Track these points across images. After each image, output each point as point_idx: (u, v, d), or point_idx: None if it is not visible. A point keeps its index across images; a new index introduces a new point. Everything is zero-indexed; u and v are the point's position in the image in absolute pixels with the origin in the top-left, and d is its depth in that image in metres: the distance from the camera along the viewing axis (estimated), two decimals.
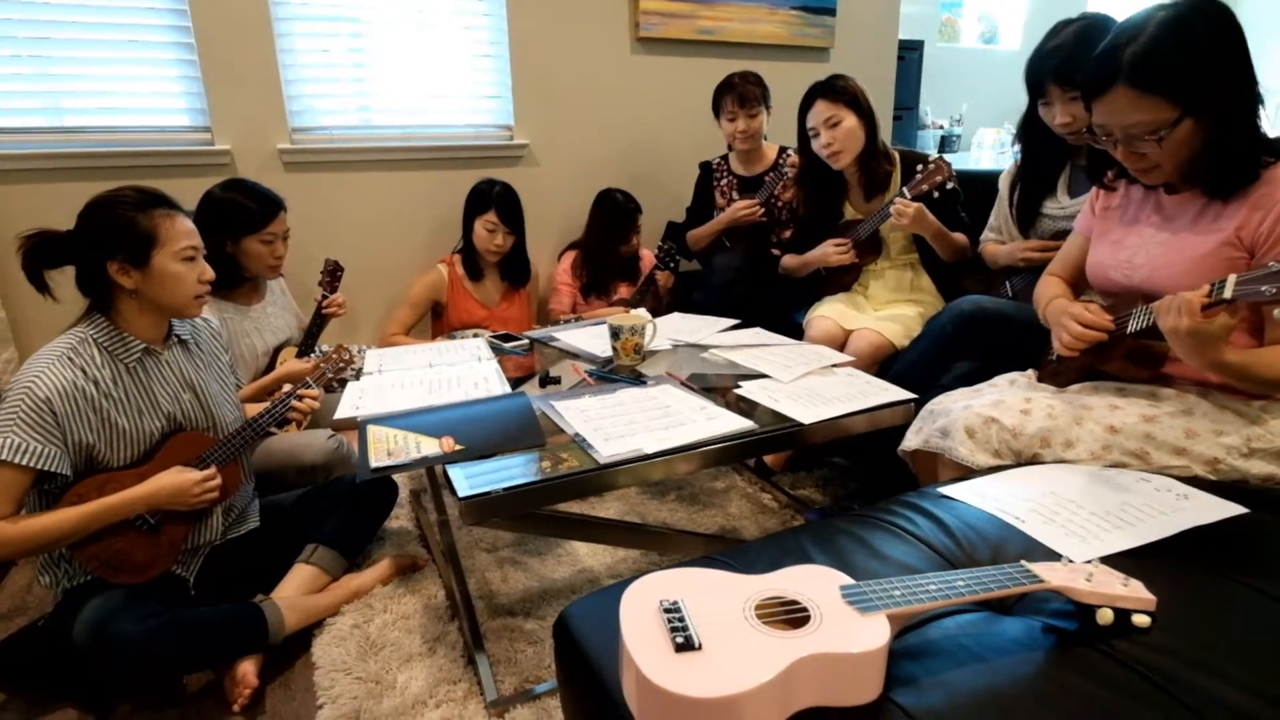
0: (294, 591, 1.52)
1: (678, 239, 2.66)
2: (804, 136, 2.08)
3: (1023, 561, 0.80)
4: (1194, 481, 1.09)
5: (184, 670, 1.39)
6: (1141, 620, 0.77)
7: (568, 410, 1.42)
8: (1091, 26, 1.51)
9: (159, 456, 1.39)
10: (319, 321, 2.09)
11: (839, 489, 2.06)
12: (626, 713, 0.71)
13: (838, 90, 1.99)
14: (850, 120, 1.98)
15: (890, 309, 2.04)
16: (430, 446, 1.28)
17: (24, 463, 1.22)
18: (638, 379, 1.59)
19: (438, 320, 2.60)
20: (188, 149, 2.30)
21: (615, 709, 0.74)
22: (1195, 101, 1.07)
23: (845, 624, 0.69)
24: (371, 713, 1.28)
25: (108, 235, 1.29)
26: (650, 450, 1.23)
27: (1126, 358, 1.24)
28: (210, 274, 1.41)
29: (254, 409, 1.62)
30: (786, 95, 2.74)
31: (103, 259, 1.29)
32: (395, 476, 1.88)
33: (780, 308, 2.28)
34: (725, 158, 2.63)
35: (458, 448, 1.27)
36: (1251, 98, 1.10)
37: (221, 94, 2.30)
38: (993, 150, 4.14)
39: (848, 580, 0.76)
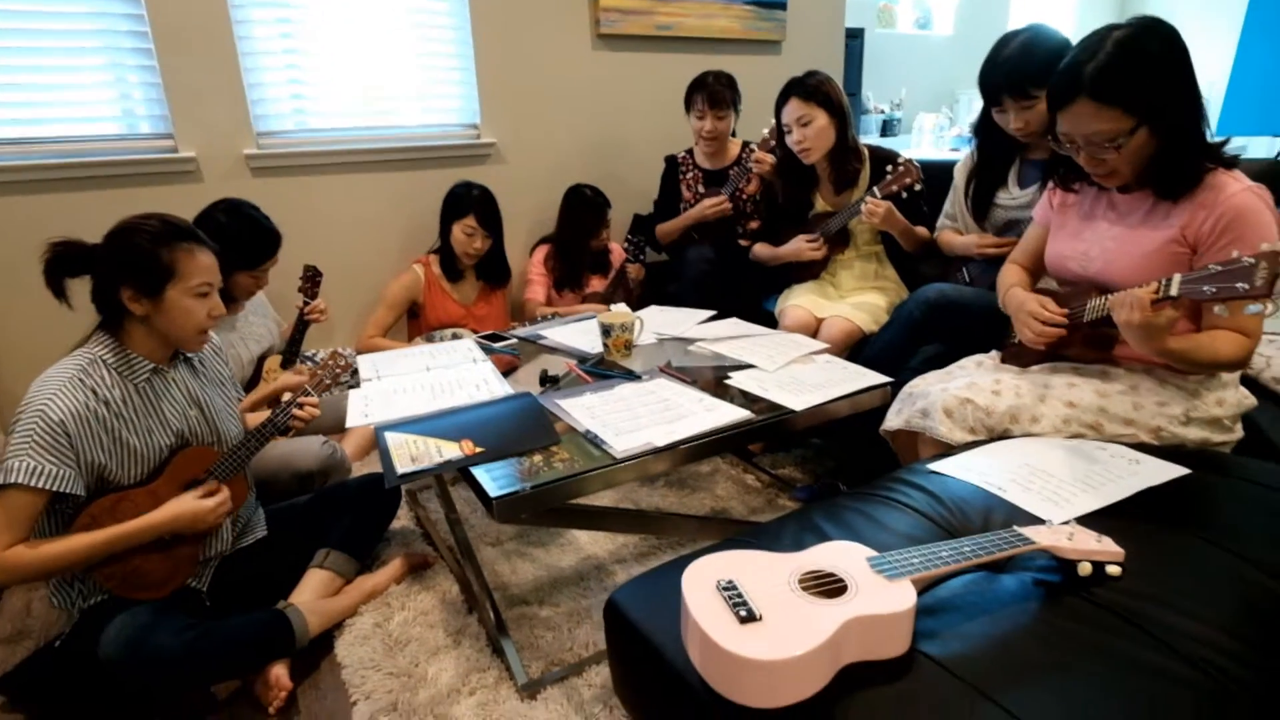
0: (311, 596, 1.56)
1: (645, 231, 2.74)
2: (782, 129, 2.16)
3: (1014, 526, 0.93)
4: (1140, 447, 1.25)
5: (218, 680, 1.42)
6: (1114, 570, 0.91)
7: (573, 408, 1.49)
8: (1036, 38, 1.65)
9: (167, 472, 1.40)
10: (301, 328, 2.10)
11: (816, 466, 2.20)
12: (692, 678, 0.81)
13: (810, 89, 2.06)
14: (821, 119, 2.06)
15: (858, 296, 2.16)
16: (451, 450, 1.33)
17: (40, 485, 1.23)
18: (630, 374, 1.67)
19: (414, 320, 2.62)
20: (151, 157, 2.25)
21: (677, 675, 0.83)
22: (1149, 112, 1.19)
23: (878, 590, 0.81)
24: (409, 704, 1.34)
25: (125, 263, 1.31)
26: (660, 443, 1.32)
27: (1083, 343, 1.39)
28: (221, 309, 1.42)
29: (252, 419, 1.64)
30: (742, 88, 2.84)
31: (117, 284, 1.31)
32: None
33: (751, 296, 2.40)
34: (690, 151, 2.71)
35: (478, 450, 1.33)
36: (1197, 109, 1.23)
37: (183, 100, 2.26)
38: (932, 134, 4.35)
39: (872, 552, 0.88)
